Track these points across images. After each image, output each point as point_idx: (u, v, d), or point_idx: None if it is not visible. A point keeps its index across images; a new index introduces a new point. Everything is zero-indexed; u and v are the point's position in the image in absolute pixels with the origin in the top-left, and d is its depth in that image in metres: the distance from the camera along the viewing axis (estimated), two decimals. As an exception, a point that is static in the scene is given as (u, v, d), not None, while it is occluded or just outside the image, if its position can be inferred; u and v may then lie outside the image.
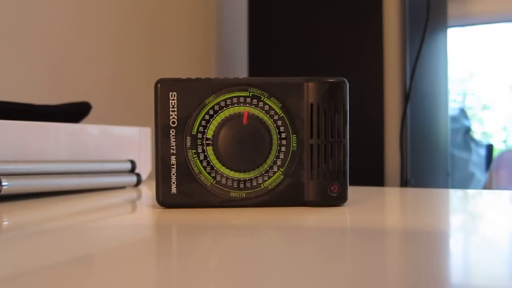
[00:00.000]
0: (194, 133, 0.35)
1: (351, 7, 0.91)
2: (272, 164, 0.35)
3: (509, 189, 1.87)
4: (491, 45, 2.10)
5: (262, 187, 0.35)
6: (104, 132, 0.52)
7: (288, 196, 0.35)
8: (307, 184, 0.35)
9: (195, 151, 0.35)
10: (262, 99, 0.35)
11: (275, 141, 0.35)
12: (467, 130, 2.07)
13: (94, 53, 0.75)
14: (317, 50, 0.94)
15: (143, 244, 0.26)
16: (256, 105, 0.35)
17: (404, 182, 0.90)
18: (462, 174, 1.99)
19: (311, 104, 0.35)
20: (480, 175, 2.14)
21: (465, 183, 1.96)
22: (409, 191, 0.55)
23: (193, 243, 0.25)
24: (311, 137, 0.35)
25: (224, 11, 1.12)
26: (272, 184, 0.35)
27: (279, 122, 0.35)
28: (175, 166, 0.35)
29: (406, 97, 0.88)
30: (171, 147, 0.35)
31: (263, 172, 0.35)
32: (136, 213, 0.37)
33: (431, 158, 1.05)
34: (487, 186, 2.00)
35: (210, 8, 1.07)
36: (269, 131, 0.35)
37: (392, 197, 0.47)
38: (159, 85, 0.35)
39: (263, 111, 0.35)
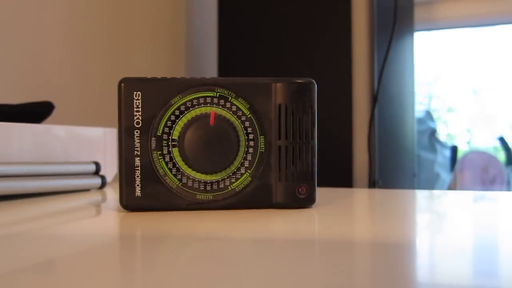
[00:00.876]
0: (159, 134, 0.34)
1: (321, 9, 0.91)
2: (239, 165, 0.34)
3: (473, 189, 1.91)
4: (455, 50, 2.14)
5: (230, 189, 0.34)
6: (69, 133, 0.50)
7: (256, 198, 0.34)
8: (275, 186, 0.34)
9: (160, 152, 0.34)
10: (229, 99, 0.34)
11: (242, 143, 0.34)
12: (433, 131, 2.11)
13: (56, 51, 0.73)
14: (286, 51, 0.93)
15: (104, 252, 0.24)
16: (223, 106, 0.34)
17: (372, 183, 0.90)
18: (428, 175, 2.02)
19: (279, 105, 0.34)
20: (445, 176, 2.19)
21: (430, 183, 2.00)
22: (377, 192, 0.55)
23: (157, 251, 0.24)
24: (279, 138, 0.34)
25: (194, 9, 1.11)
26: (240, 186, 0.34)
27: (247, 123, 0.34)
28: (139, 168, 0.33)
29: (374, 99, 0.89)
30: (135, 149, 0.33)
31: (231, 174, 0.34)
32: (99, 217, 0.36)
33: (398, 159, 1.06)
34: (452, 186, 2.04)
35: (179, 7, 1.05)
36: (236, 132, 0.34)
37: (360, 198, 0.47)
38: (123, 84, 0.33)
39: (231, 112, 0.34)
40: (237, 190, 0.34)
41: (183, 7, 1.06)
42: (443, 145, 2.20)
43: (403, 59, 1.08)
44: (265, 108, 0.34)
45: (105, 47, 0.83)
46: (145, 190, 0.33)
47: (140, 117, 0.33)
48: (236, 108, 0.34)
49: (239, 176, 0.34)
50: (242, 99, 0.34)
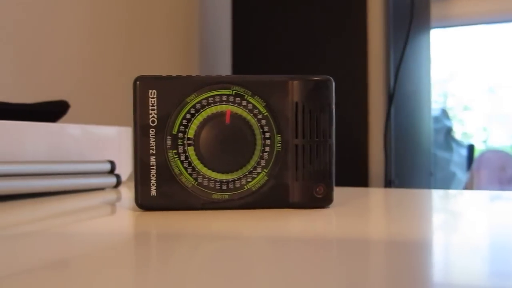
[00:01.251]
0: (175, 133, 0.33)
1: (336, 7, 0.91)
2: (255, 165, 0.34)
3: (490, 188, 1.89)
4: (471, 47, 2.11)
5: (246, 188, 0.34)
6: (83, 132, 0.50)
7: (272, 197, 0.34)
8: (292, 185, 0.34)
9: (175, 151, 0.33)
10: (245, 97, 0.34)
11: (258, 141, 0.34)
12: (449, 130, 2.08)
13: (70, 49, 0.73)
14: (301, 49, 0.93)
15: (119, 251, 0.24)
16: (239, 104, 0.34)
17: (388, 183, 0.89)
18: (444, 174, 2.00)
19: (296, 103, 0.34)
20: (461, 175, 2.16)
21: (446, 182, 1.97)
22: (393, 192, 0.54)
23: (172, 249, 0.23)
24: (296, 137, 0.34)
25: (207, 6, 1.11)
26: (256, 185, 0.34)
27: (263, 122, 0.34)
28: (154, 167, 0.33)
29: (390, 98, 0.88)
30: (151, 147, 0.33)
31: (247, 173, 0.34)
32: (114, 216, 0.35)
33: (415, 158, 1.05)
34: (468, 186, 2.01)
35: (193, 4, 1.05)
36: (252, 130, 0.33)
37: (377, 198, 0.46)
38: (138, 82, 0.33)
39: (247, 110, 0.34)
40: (253, 189, 0.34)
41: (197, 5, 1.06)
42: (459, 143, 2.18)
43: (419, 57, 1.07)
44: (282, 106, 0.34)
45: (119, 46, 0.83)
46: (160, 189, 0.33)
47: (155, 116, 0.33)
48: (252, 106, 0.34)
49: (255, 176, 0.34)
50: (258, 97, 0.34)
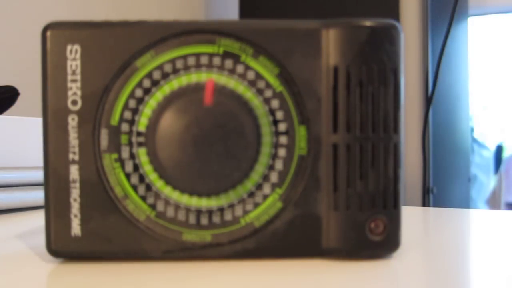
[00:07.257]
0: (115, 124, 0.17)
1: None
2: (261, 181, 0.18)
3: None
4: (491, 41, 1.92)
5: (242, 223, 0.18)
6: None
7: (291, 240, 0.18)
8: (326, 218, 0.18)
9: (116, 156, 0.17)
10: (242, 59, 0.18)
11: (266, 138, 0.17)
12: (470, 130, 1.91)
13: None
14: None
15: None
16: (231, 71, 0.17)
17: (427, 191, 0.73)
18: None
19: (335, 69, 0.18)
20: (484, 178, 2.00)
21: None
22: (474, 213, 0.37)
23: None
24: (335, 131, 0.18)
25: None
26: (262, 218, 0.18)
27: (275, 103, 0.18)
28: (78, 185, 0.17)
29: (429, 100, 0.72)
30: (71, 149, 0.17)
31: (245, 197, 0.18)
32: (7, 273, 0.19)
33: (453, 162, 0.88)
34: (497, 189, 1.84)
35: None
36: (255, 119, 0.17)
37: (462, 228, 0.29)
38: (49, 33, 0.17)
39: (245, 82, 0.18)
40: (257, 225, 0.18)
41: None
42: (480, 144, 2.02)
43: (457, 48, 0.89)
44: (309, 74, 0.18)
45: None
46: (89, 224, 0.17)
47: (79, 92, 0.17)
48: (255, 75, 0.18)
49: (261, 200, 0.18)
50: (266, 59, 0.18)
